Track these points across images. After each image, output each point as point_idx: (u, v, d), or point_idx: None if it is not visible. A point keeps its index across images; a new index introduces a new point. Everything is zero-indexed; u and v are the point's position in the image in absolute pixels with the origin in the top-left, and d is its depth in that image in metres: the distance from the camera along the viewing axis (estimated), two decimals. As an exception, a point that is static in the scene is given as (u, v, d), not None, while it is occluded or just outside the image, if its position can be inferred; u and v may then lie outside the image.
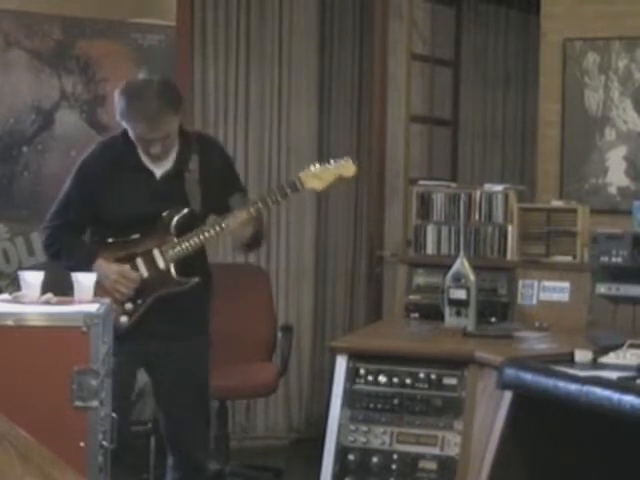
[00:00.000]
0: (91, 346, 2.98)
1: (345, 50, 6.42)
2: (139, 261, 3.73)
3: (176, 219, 3.70)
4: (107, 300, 3.38)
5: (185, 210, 3.71)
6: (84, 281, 3.31)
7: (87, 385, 2.96)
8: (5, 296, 3.33)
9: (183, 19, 5.44)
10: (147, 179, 3.73)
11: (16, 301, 3.20)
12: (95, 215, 3.77)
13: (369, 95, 5.95)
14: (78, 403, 2.96)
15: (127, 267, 3.71)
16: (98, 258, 3.73)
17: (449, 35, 6.59)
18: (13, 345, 2.96)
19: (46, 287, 3.28)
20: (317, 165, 3.75)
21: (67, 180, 3.85)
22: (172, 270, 3.71)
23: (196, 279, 3.71)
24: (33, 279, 3.26)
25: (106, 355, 3.16)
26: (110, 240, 3.76)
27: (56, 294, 3.27)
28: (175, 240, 3.70)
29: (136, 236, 3.73)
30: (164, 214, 3.71)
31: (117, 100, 3.66)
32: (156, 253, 3.71)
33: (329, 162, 3.77)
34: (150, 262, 3.72)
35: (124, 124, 3.68)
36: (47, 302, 3.21)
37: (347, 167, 3.79)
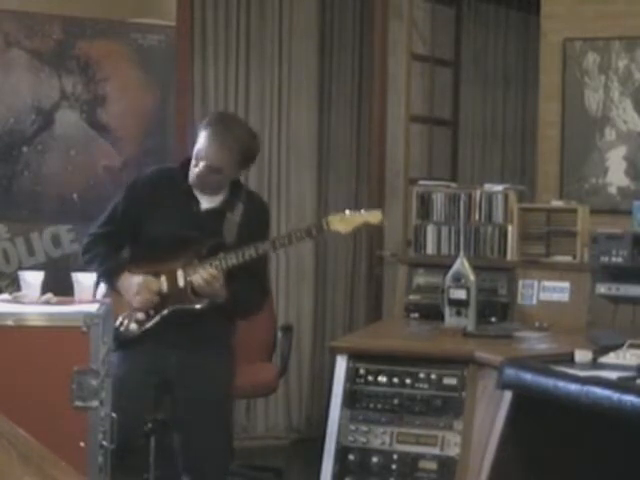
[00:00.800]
0: (91, 346, 2.99)
1: (345, 50, 6.42)
2: (163, 279, 3.78)
3: (207, 246, 3.76)
4: (107, 300, 3.38)
5: (218, 241, 3.77)
6: (84, 281, 3.31)
7: (87, 385, 2.96)
8: (5, 296, 3.33)
9: (183, 19, 5.44)
10: (192, 207, 3.82)
11: (16, 301, 3.21)
12: (135, 232, 3.85)
13: (369, 95, 5.95)
14: (78, 403, 2.96)
15: (149, 278, 3.77)
16: (125, 272, 3.79)
17: (449, 35, 6.59)
18: (13, 345, 2.97)
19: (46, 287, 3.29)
20: (347, 212, 3.83)
21: (118, 194, 3.96)
22: (188, 289, 3.75)
23: (206, 301, 3.73)
24: (33, 279, 3.27)
25: (106, 355, 3.17)
26: (142, 257, 3.83)
27: (57, 294, 3.28)
28: (198, 264, 3.74)
29: (167, 256, 3.79)
30: (198, 240, 3.77)
31: (210, 114, 3.82)
32: (179, 273, 3.76)
33: (359, 211, 3.86)
34: (172, 280, 3.77)
35: (199, 132, 3.76)
36: (47, 302, 3.21)
37: (375, 215, 3.86)
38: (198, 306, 3.74)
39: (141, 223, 3.83)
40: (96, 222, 3.94)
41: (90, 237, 3.91)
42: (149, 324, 3.76)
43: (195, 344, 3.76)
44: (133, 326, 3.75)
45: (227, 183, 3.84)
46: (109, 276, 3.76)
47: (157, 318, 3.76)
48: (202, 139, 3.73)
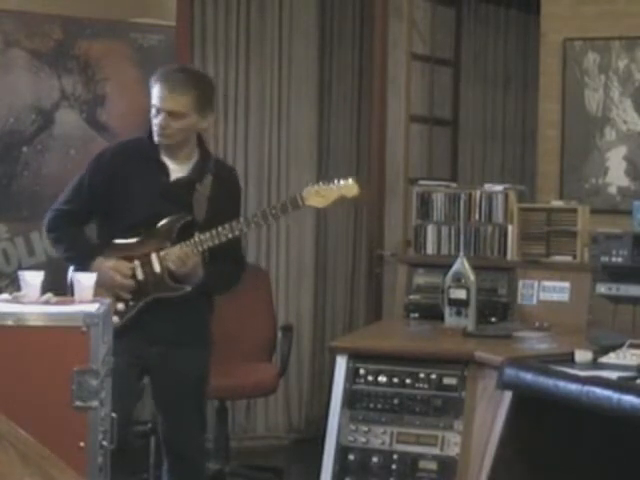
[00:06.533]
0: (91, 346, 2.98)
1: (345, 50, 6.42)
2: (137, 263, 3.75)
3: (178, 226, 3.73)
4: (108, 300, 3.38)
5: (188, 218, 3.74)
6: (84, 281, 3.31)
7: (87, 385, 2.96)
8: (5, 296, 3.32)
9: (183, 19, 5.44)
10: (160, 177, 3.76)
11: (16, 301, 3.20)
12: (103, 208, 3.79)
13: (369, 95, 5.95)
14: (78, 403, 2.96)
15: (121, 262, 3.73)
16: (98, 256, 3.75)
17: (449, 35, 6.59)
18: (13, 345, 2.96)
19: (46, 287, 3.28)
20: (320, 183, 3.78)
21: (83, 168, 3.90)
22: (166, 275, 3.72)
23: (188, 287, 3.72)
24: (33, 279, 3.26)
25: (106, 355, 3.16)
26: (113, 241, 3.78)
27: (57, 294, 3.27)
28: (171, 246, 3.71)
29: (138, 238, 3.76)
30: (168, 219, 3.73)
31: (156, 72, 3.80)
32: (153, 257, 3.73)
33: (333, 182, 3.78)
34: (147, 265, 3.74)
35: (151, 91, 3.73)
36: (47, 302, 3.20)
37: (350, 187, 3.79)
38: (179, 293, 3.71)
39: (108, 198, 3.76)
40: (60, 197, 3.87)
41: (54, 212, 3.84)
42: (130, 314, 3.74)
43: (174, 336, 3.75)
44: (114, 318, 3.70)
45: (193, 138, 3.79)
46: (80, 262, 3.71)
47: (138, 307, 3.74)
48: (155, 92, 3.70)
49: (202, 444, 4.03)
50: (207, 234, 3.67)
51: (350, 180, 3.80)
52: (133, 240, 3.76)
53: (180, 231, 3.73)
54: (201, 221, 3.73)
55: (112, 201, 3.76)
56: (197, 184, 3.76)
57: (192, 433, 3.90)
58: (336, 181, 3.78)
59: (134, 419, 4.06)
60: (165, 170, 3.77)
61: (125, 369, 3.65)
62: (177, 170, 3.79)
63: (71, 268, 3.77)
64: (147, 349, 3.76)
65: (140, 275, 3.74)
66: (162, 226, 3.73)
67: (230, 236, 3.68)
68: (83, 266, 3.71)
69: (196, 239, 3.68)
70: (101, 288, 3.67)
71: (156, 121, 3.71)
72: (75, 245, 3.81)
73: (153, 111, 3.72)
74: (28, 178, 5.11)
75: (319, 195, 3.74)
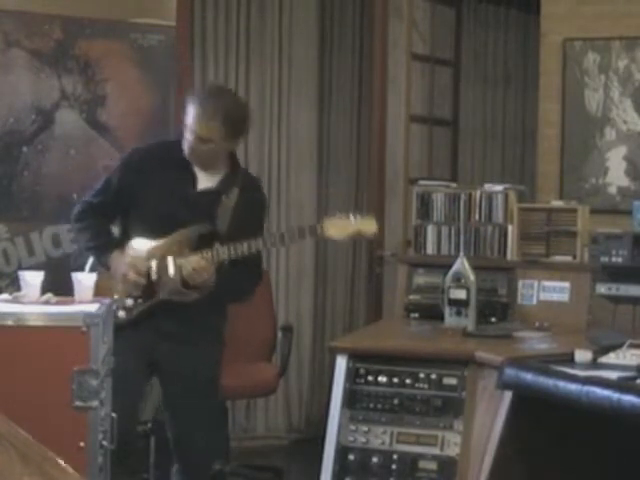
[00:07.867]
0: (91, 346, 2.99)
1: (345, 50, 6.42)
2: (152, 263, 3.77)
3: (198, 235, 3.76)
4: (107, 300, 3.38)
5: (210, 228, 3.77)
6: (84, 281, 3.31)
7: (87, 385, 2.96)
8: (5, 296, 3.33)
9: (183, 19, 5.44)
10: (188, 185, 3.81)
11: (16, 301, 3.21)
12: (129, 204, 3.83)
13: (369, 95, 5.95)
14: (78, 403, 2.96)
15: (139, 259, 3.76)
16: (115, 250, 3.79)
17: (449, 35, 6.59)
18: (13, 345, 2.97)
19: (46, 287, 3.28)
20: (342, 216, 3.79)
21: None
22: (178, 281, 3.74)
23: (196, 294, 3.73)
24: (33, 279, 3.27)
25: (106, 355, 3.17)
26: (134, 238, 3.81)
27: (57, 294, 3.28)
28: (189, 253, 3.74)
29: (158, 240, 3.78)
30: (190, 227, 3.76)
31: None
32: (170, 261, 3.75)
33: (355, 216, 3.80)
34: (162, 267, 3.76)
35: (187, 105, 3.77)
36: (47, 302, 3.21)
37: (369, 225, 3.82)
38: (188, 299, 3.73)
39: (135, 196, 3.81)
40: (90, 191, 3.93)
41: (83, 205, 3.90)
42: (137, 311, 3.76)
43: (186, 334, 3.77)
44: (121, 313, 3.73)
45: (223, 156, 3.83)
46: (100, 253, 3.78)
47: (145, 306, 3.76)
48: (190, 111, 3.75)
49: (207, 445, 3.97)
50: (225, 248, 3.70)
51: (370, 217, 3.85)
52: (153, 241, 3.79)
53: (200, 240, 3.75)
54: (223, 232, 3.77)
55: (136, 202, 3.81)
56: (223, 196, 3.80)
57: (199, 434, 3.87)
58: (358, 216, 3.81)
59: (137, 419, 4.04)
60: (193, 179, 3.82)
61: (131, 367, 3.67)
62: (205, 180, 3.83)
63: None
64: (157, 346, 3.77)
65: (154, 275, 3.77)
66: (183, 233, 3.77)
67: (246, 253, 3.72)
68: (102, 257, 3.78)
69: (214, 251, 3.70)
70: (113, 280, 3.71)
71: (187, 143, 3.77)
72: (98, 236, 3.85)
73: (185, 129, 3.76)
74: (28, 178, 5.11)
75: (338, 227, 3.77)
